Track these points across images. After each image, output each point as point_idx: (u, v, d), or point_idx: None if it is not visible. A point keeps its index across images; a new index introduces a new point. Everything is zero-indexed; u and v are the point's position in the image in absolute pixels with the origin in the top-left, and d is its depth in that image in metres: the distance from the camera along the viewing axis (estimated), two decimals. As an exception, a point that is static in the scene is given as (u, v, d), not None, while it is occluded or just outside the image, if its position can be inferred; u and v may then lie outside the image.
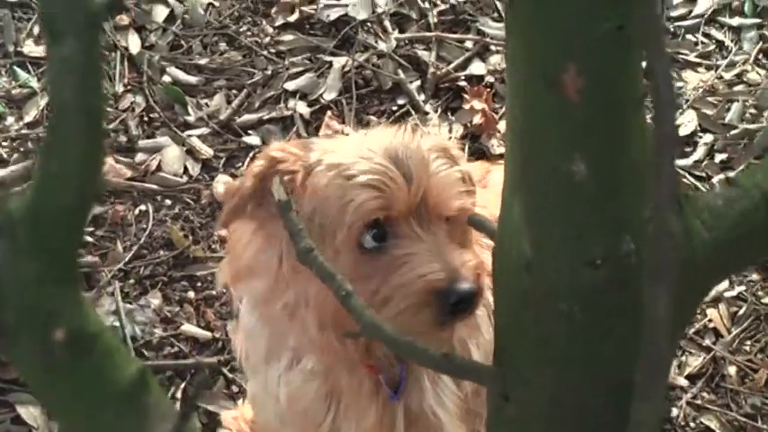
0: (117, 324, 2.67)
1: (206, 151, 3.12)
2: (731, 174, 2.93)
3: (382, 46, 3.44)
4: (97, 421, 0.70)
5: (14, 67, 3.33)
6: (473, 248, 1.74)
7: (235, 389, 2.58)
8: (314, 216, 1.64)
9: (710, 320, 2.75)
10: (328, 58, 3.40)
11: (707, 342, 2.71)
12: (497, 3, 3.63)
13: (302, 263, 1.23)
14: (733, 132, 3.23)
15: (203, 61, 3.40)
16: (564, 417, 1.12)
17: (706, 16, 3.59)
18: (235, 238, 1.78)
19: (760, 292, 2.80)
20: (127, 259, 2.83)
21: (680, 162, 3.00)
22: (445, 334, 1.71)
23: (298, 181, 1.66)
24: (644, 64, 0.91)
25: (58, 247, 0.68)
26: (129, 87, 3.30)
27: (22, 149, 3.12)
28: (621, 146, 1.04)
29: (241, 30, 3.52)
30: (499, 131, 3.14)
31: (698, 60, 3.49)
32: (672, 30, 3.57)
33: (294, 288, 1.69)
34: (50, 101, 0.66)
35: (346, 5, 3.55)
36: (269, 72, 3.36)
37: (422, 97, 3.30)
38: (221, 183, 3.01)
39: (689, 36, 3.57)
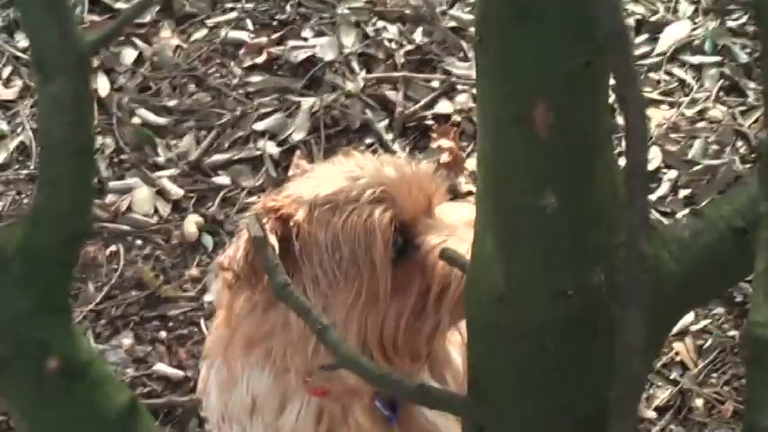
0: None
1: (176, 192, 3.13)
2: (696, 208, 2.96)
3: (350, 86, 3.47)
4: (89, 448, 0.71)
5: (-16, 112, 3.34)
6: None
7: (208, 428, 2.58)
8: (337, 247, 1.65)
9: (677, 353, 2.78)
10: (296, 99, 3.43)
11: (674, 375, 2.74)
12: (463, 43, 3.66)
13: (278, 299, 1.25)
14: (696, 168, 3.27)
15: (172, 103, 3.41)
16: (539, 446, 1.15)
17: (668, 54, 3.64)
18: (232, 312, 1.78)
19: (725, 325, 2.83)
20: (98, 300, 2.83)
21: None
22: None
23: (301, 222, 1.67)
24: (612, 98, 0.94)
25: (50, 278, 0.70)
26: (98, 129, 3.30)
27: (-8, 192, 3.12)
28: (591, 179, 1.07)
29: (209, 71, 3.53)
30: (467, 169, 3.17)
31: (661, 98, 3.53)
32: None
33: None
34: (41, 138, 0.68)
35: (314, 47, 3.57)
36: (238, 113, 3.38)
37: (390, 136, 3.32)
38: (192, 222, 3.02)
39: (651, 74, 3.61)
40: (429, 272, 1.65)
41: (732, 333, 2.82)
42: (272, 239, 1.62)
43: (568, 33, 1.00)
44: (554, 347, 1.10)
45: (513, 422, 1.15)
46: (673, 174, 3.26)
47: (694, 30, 3.70)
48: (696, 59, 3.67)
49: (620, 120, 0.82)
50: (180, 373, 2.69)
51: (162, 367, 2.70)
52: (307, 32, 3.65)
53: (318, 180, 1.73)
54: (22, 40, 3.59)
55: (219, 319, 1.85)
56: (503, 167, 1.08)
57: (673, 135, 3.39)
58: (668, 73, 3.63)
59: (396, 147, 3.28)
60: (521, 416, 1.14)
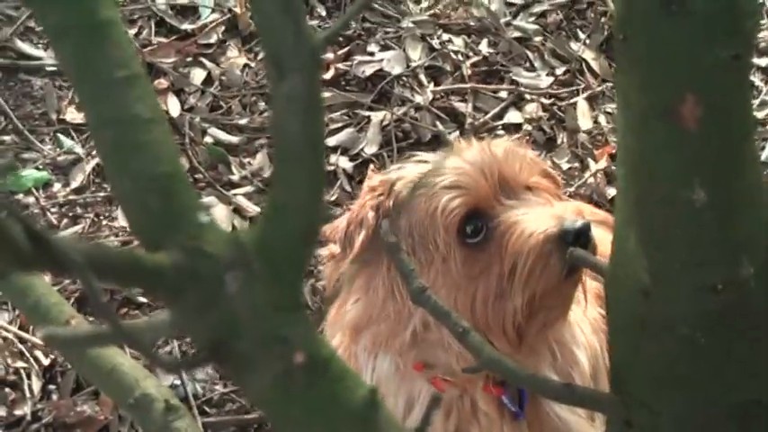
0: (178, 382, 2.68)
1: (252, 209, 3.15)
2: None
3: (419, 99, 3.49)
4: (336, 439, 0.72)
5: (58, 135, 3.37)
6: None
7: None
8: (412, 232, 1.69)
9: None
10: (366, 113, 3.44)
11: None
12: (528, 53, 3.68)
13: (416, 303, 1.25)
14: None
15: (243, 121, 3.44)
16: (692, 438, 1.14)
17: (734, 57, 3.63)
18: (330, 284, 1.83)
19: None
20: (183, 318, 2.85)
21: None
22: (573, 287, 1.71)
23: (388, 205, 1.72)
24: None
25: (288, 275, 0.71)
26: (172, 150, 3.33)
27: (70, 215, 3.15)
28: (738, 171, 1.07)
29: (278, 89, 3.55)
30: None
31: (729, 101, 3.52)
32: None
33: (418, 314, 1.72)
34: (275, 134, 0.69)
35: (380, 61, 3.60)
36: (313, 126, 3.39)
37: (462, 147, 3.33)
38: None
39: (719, 77, 3.60)
40: (503, 253, 1.67)
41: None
42: (370, 217, 1.71)
43: (717, 26, 1.00)
44: (704, 341, 1.10)
45: (662, 418, 1.15)
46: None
47: (761, 32, 3.69)
48: (764, 62, 3.66)
49: None
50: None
51: (250, 383, 2.71)
52: (372, 47, 3.67)
53: (417, 165, 1.77)
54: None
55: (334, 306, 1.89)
56: (648, 162, 1.08)
57: (745, 137, 3.37)
58: (737, 75, 3.60)
59: (469, 158, 3.28)
60: (670, 411, 1.14)
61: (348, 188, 3.20)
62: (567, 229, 1.63)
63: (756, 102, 3.52)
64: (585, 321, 1.86)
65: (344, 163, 3.30)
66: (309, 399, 0.72)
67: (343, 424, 0.72)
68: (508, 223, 1.67)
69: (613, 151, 3.26)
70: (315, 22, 3.74)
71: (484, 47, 3.69)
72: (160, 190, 0.72)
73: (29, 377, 2.70)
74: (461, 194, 1.68)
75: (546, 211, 1.68)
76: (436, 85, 3.57)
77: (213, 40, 3.70)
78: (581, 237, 1.62)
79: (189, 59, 3.63)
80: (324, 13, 3.79)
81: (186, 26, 3.74)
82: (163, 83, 3.54)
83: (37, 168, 3.26)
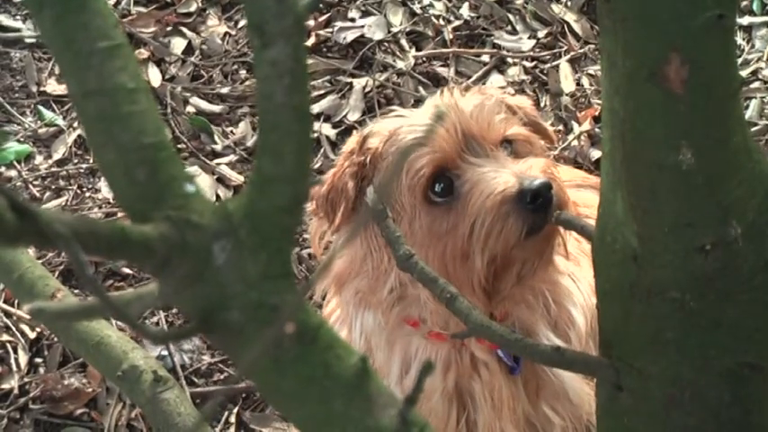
0: (165, 353, 2.68)
1: (236, 178, 3.14)
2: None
3: (401, 64, 3.47)
4: (328, 408, 0.71)
5: (39, 107, 3.35)
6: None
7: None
8: (383, 189, 1.69)
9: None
10: (348, 80, 3.43)
11: None
12: (510, 16, 3.66)
13: (402, 269, 1.25)
14: (754, 129, 3.27)
15: (225, 90, 3.42)
16: (683, 401, 1.14)
17: (716, 17, 3.62)
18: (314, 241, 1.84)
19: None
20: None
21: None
22: (541, 244, 1.71)
23: (365, 163, 1.74)
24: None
25: (276, 244, 0.71)
26: (153, 120, 3.31)
27: (53, 187, 3.13)
28: (725, 133, 1.06)
29: (259, 57, 3.53)
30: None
31: (712, 60, 3.51)
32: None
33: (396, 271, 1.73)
34: (259, 103, 0.68)
35: (362, 27, 3.58)
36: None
37: (445, 112, 3.32)
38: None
39: (701, 38, 3.60)
40: (465, 211, 1.67)
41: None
42: (350, 188, 1.72)
43: (701, -14, 1.00)
44: (694, 304, 1.10)
45: (652, 380, 1.15)
46: (732, 135, 3.24)
47: (742, -10, 3.68)
48: (745, 21, 3.65)
49: None
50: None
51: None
52: (353, 13, 3.65)
53: (392, 120, 1.79)
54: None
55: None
56: (635, 125, 1.07)
57: (728, 97, 3.37)
58: (719, 35, 3.60)
59: (453, 122, 3.27)
60: (661, 375, 1.14)
61: (332, 155, 3.19)
62: (524, 189, 1.62)
63: (739, 61, 3.52)
64: (585, 281, 1.86)
65: (327, 130, 3.29)
66: (300, 368, 0.72)
67: (335, 393, 0.71)
68: (471, 183, 1.67)
69: (597, 113, 3.26)
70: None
71: (465, 11, 3.68)
72: (146, 161, 0.72)
73: (15, 351, 2.70)
74: (426, 154, 1.68)
75: (507, 171, 1.66)
76: (418, 50, 3.56)
77: (193, 8, 3.67)
78: (539, 196, 1.61)
79: (169, 29, 3.61)
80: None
81: (164, -6, 3.72)
82: (143, 53, 3.51)
83: (18, 141, 3.24)
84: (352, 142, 1.81)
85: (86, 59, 0.71)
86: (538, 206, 1.61)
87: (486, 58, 3.53)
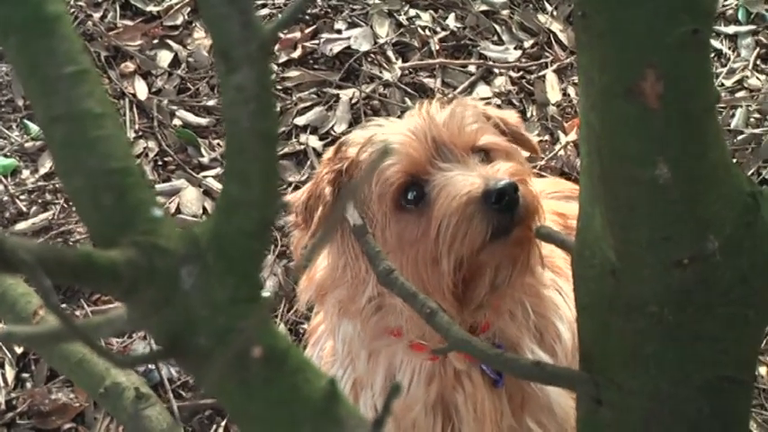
0: (152, 367, 2.68)
1: (223, 191, 3.13)
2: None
3: (387, 76, 3.48)
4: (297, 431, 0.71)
5: (25, 121, 3.35)
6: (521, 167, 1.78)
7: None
8: (353, 199, 1.69)
9: None
10: (335, 91, 3.43)
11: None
12: (496, 26, 3.67)
13: (383, 285, 1.25)
14: (740, 138, 3.27)
15: (211, 102, 3.42)
16: (663, 415, 1.14)
17: (702, 26, 3.63)
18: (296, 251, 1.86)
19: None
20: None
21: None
22: (511, 246, 1.70)
23: (342, 171, 1.75)
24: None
25: (243, 268, 0.70)
26: (140, 133, 3.32)
27: (40, 201, 3.13)
28: (701, 148, 1.06)
29: (246, 69, 3.53)
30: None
31: (698, 69, 3.52)
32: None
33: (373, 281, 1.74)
34: (227, 128, 0.68)
35: (348, 38, 3.58)
36: (278, 108, 3.38)
37: (431, 123, 3.32)
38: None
39: (687, 46, 3.60)
40: (432, 216, 1.67)
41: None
42: (327, 193, 1.73)
43: (675, 2, 1.00)
44: (672, 318, 1.10)
45: (632, 394, 1.14)
46: (719, 144, 3.25)
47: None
48: (731, 29, 3.66)
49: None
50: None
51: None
52: (340, 25, 3.65)
53: (370, 129, 1.81)
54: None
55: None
56: (611, 141, 1.07)
57: (714, 106, 3.38)
58: (705, 44, 3.61)
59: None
60: (640, 389, 1.14)
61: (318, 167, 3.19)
62: (490, 189, 1.62)
63: (725, 70, 3.53)
64: (572, 295, 1.86)
65: (314, 142, 3.29)
66: (269, 392, 0.72)
67: (304, 417, 0.71)
68: (439, 186, 1.67)
69: (583, 123, 3.26)
70: (267, 11, 3.72)
71: (451, 21, 3.68)
72: (113, 186, 0.71)
73: (2, 366, 2.69)
74: (395, 162, 1.69)
75: (474, 173, 1.67)
76: (404, 61, 3.56)
77: (179, 21, 3.68)
78: (504, 196, 1.61)
79: (155, 42, 3.61)
80: (281, 1, 3.76)
81: (151, 8, 3.72)
82: (129, 66, 3.52)
83: (5, 155, 3.24)
84: (331, 150, 1.82)
85: (53, 85, 0.71)
86: (503, 206, 1.62)
87: (472, 68, 3.54)
